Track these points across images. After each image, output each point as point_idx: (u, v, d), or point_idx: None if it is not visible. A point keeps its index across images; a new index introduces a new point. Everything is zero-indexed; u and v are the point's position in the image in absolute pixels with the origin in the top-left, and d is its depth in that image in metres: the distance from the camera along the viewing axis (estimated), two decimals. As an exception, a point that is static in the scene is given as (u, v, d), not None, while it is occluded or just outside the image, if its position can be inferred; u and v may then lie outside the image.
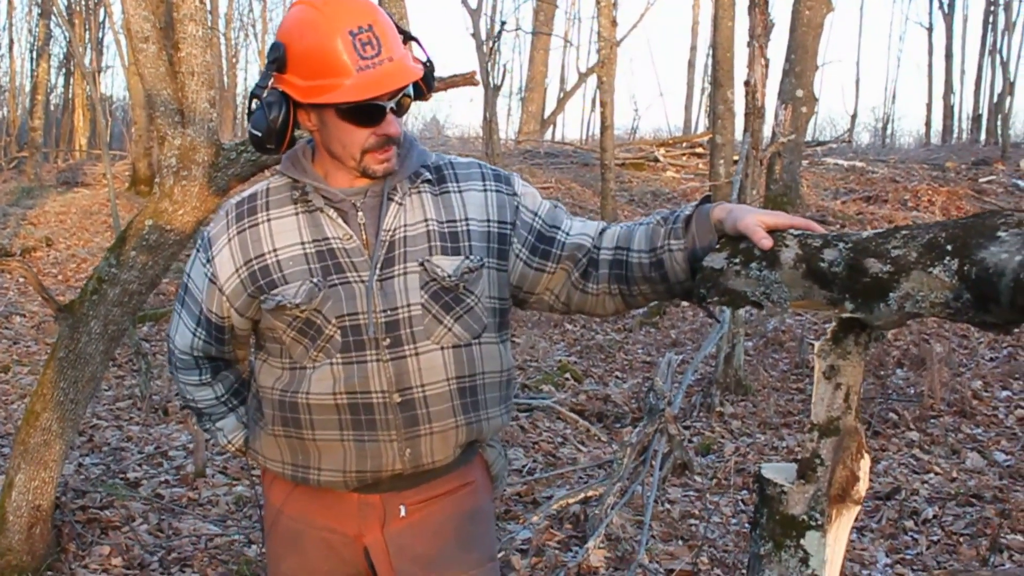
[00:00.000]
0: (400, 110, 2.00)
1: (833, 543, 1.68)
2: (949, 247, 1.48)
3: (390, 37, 1.94)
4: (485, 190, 2.13)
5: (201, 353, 2.23)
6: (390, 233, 2.03)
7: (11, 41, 28.78)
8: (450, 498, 2.16)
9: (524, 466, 5.84)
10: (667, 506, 5.17)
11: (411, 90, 2.01)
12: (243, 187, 3.10)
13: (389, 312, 2.01)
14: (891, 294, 1.54)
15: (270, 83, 2.00)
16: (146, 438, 6.23)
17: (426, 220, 2.06)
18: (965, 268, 1.44)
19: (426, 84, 2.09)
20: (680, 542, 4.71)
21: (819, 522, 1.66)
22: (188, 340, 2.21)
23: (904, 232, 1.57)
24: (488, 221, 2.10)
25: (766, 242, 1.74)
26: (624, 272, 2.04)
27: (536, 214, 2.14)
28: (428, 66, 2.08)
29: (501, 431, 2.25)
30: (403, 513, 2.13)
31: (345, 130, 1.97)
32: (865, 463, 1.68)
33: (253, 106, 2.02)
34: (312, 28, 1.92)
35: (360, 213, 2.04)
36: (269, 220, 2.07)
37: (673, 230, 1.95)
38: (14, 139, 24.73)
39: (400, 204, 2.05)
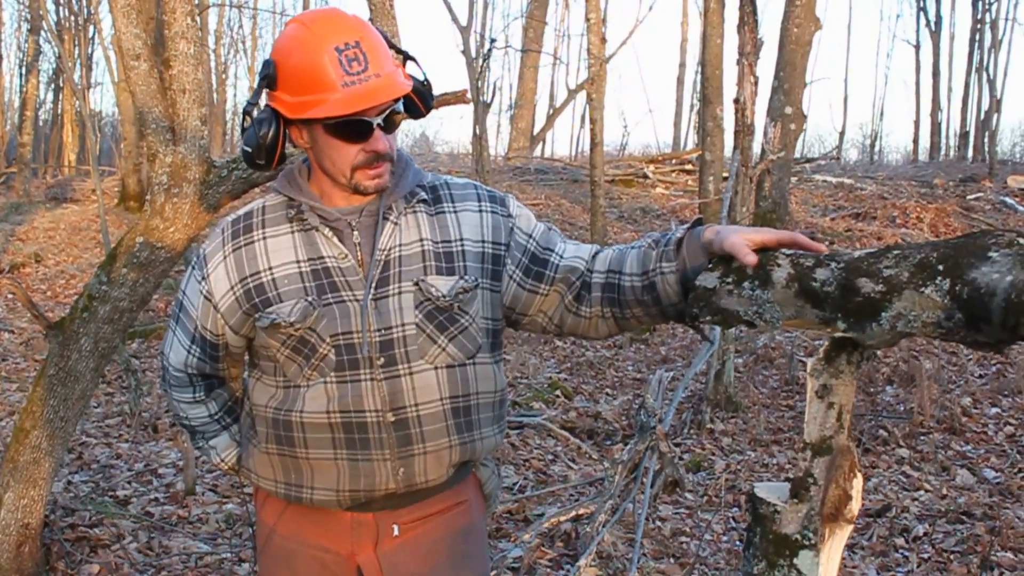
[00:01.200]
0: (389, 126, 2.00)
1: (826, 562, 1.68)
2: (941, 267, 1.49)
3: (379, 54, 1.95)
4: (480, 211, 2.14)
5: (195, 370, 2.22)
6: (385, 252, 2.03)
7: (0, 57, 28.78)
8: (443, 517, 2.16)
9: (515, 484, 5.84)
10: (658, 523, 5.17)
11: (401, 107, 2.02)
12: (235, 204, 3.10)
13: (383, 331, 2.01)
14: (883, 314, 1.54)
15: (261, 100, 2.02)
16: (136, 455, 6.20)
17: (421, 240, 2.06)
18: (957, 288, 1.45)
19: (423, 102, 2.10)
20: (672, 560, 4.71)
21: (812, 541, 1.66)
22: (182, 357, 2.21)
23: (896, 252, 1.58)
24: (483, 242, 2.11)
25: (751, 259, 1.75)
26: (616, 295, 2.04)
27: (530, 236, 2.15)
28: (425, 85, 2.09)
29: (495, 451, 2.25)
30: (396, 532, 2.12)
31: (334, 146, 1.98)
32: (858, 482, 1.68)
33: (246, 123, 2.04)
34: (300, 45, 1.94)
35: (355, 232, 2.04)
36: (265, 238, 2.07)
37: (665, 253, 1.96)
38: (2, 155, 24.68)
39: (395, 224, 2.05)
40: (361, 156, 1.98)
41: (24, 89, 22.83)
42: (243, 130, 2.05)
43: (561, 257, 2.12)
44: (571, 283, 2.10)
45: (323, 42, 1.91)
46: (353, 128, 1.95)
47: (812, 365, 1.68)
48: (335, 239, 2.03)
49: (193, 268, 2.17)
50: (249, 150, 2.03)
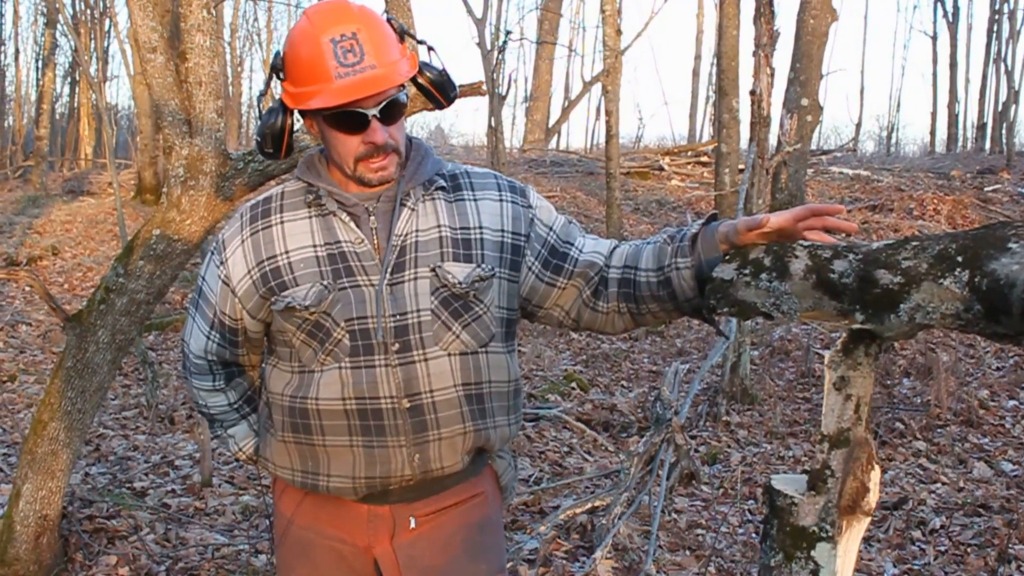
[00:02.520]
0: (388, 117, 1.99)
1: (843, 555, 1.68)
2: (960, 258, 1.48)
3: (379, 44, 1.95)
4: (501, 200, 2.14)
5: (215, 357, 2.23)
6: (401, 238, 2.03)
7: (17, 50, 28.87)
8: (459, 509, 2.16)
9: (531, 476, 5.84)
10: (674, 516, 5.17)
11: (404, 97, 2.02)
12: (251, 196, 3.11)
13: (398, 317, 2.01)
14: (901, 305, 1.54)
15: (271, 90, 2.06)
16: (152, 447, 6.23)
17: (439, 226, 2.07)
18: (976, 279, 1.44)
19: (442, 93, 2.11)
20: (687, 552, 4.70)
21: (829, 533, 1.66)
22: (202, 343, 2.22)
23: (914, 243, 1.57)
24: (502, 231, 2.11)
25: (766, 218, 1.81)
26: (632, 291, 2.05)
27: (551, 228, 2.15)
28: (443, 75, 2.10)
29: (510, 441, 2.25)
30: (413, 524, 2.13)
31: (336, 138, 2.00)
32: (875, 474, 1.67)
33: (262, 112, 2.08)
34: (301, 36, 1.97)
35: (372, 218, 2.05)
36: (283, 222, 2.08)
37: (680, 248, 1.97)
38: (20, 148, 24.79)
39: (413, 210, 2.06)
40: (362, 148, 1.99)
41: (41, 82, 22.90)
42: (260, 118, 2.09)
43: (580, 251, 2.12)
44: (589, 278, 2.10)
45: (319, 33, 1.93)
46: (349, 119, 1.97)
47: (830, 357, 1.68)
48: (352, 224, 2.04)
49: (212, 253, 2.18)
50: (259, 139, 2.08)
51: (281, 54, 2.01)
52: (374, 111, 1.96)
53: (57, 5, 18.26)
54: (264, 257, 2.07)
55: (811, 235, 1.79)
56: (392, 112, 1.99)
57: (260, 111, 2.09)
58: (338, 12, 1.96)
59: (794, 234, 1.80)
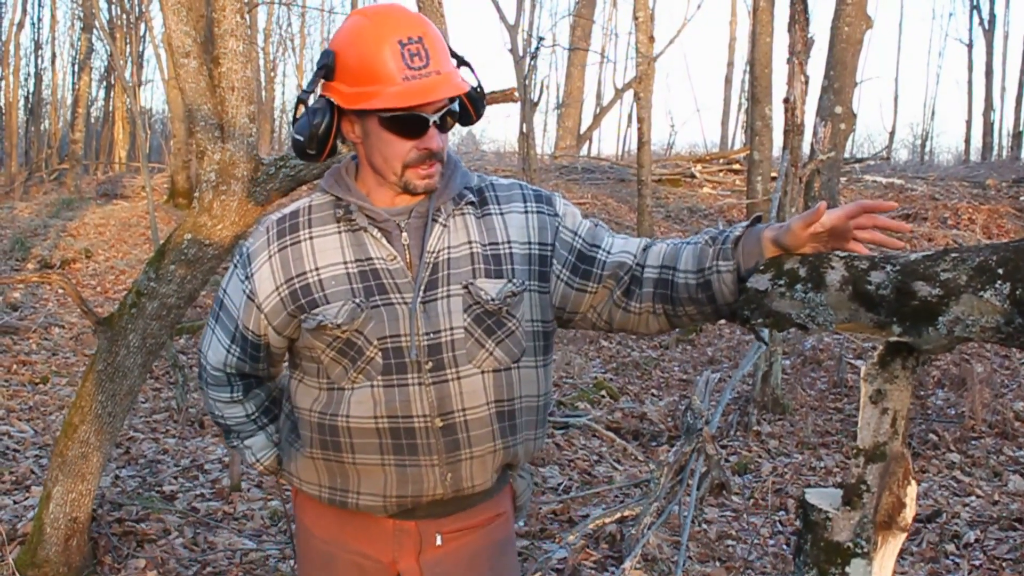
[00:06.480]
0: (444, 126, 1.98)
1: (879, 571, 1.65)
2: (1000, 271, 1.45)
3: (440, 52, 1.94)
4: (526, 212, 2.12)
5: (234, 370, 2.20)
6: (434, 255, 2.01)
7: (53, 54, 29.38)
8: (484, 529, 2.15)
9: (560, 484, 5.81)
10: (704, 526, 5.13)
11: (456, 109, 2.01)
12: (283, 202, 3.11)
13: (432, 335, 1.99)
14: (940, 318, 1.51)
15: (317, 90, 2.02)
16: (182, 451, 6.25)
17: (469, 242, 2.04)
18: (1018, 292, 1.42)
19: (475, 109, 2.09)
20: (718, 563, 4.66)
21: (865, 549, 1.63)
22: (221, 356, 2.19)
23: (953, 255, 1.54)
24: (529, 243, 2.09)
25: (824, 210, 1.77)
26: (669, 292, 2.01)
27: (576, 234, 2.12)
28: (479, 91, 2.08)
29: (534, 455, 2.23)
30: (439, 541, 2.11)
31: (387, 141, 1.96)
32: (912, 490, 1.64)
33: (299, 112, 2.03)
34: (361, 36, 1.94)
35: (404, 234, 2.03)
36: (312, 238, 2.05)
37: (722, 251, 1.93)
38: (55, 151, 25.04)
39: (444, 225, 2.03)
40: (414, 153, 1.96)
41: (76, 86, 23.15)
42: (294, 120, 2.04)
43: (608, 253, 2.09)
44: (619, 278, 2.06)
45: (385, 34, 1.91)
46: (409, 123, 1.94)
47: (866, 370, 1.65)
48: (384, 240, 2.01)
49: (236, 266, 2.15)
50: (301, 139, 2.01)
51: (333, 54, 1.97)
52: (435, 117, 1.94)
53: (93, 10, 18.40)
54: (294, 274, 2.04)
55: (863, 234, 1.76)
56: (447, 121, 1.99)
57: (294, 115, 2.06)
58: (403, 16, 1.95)
59: (846, 232, 1.77)
